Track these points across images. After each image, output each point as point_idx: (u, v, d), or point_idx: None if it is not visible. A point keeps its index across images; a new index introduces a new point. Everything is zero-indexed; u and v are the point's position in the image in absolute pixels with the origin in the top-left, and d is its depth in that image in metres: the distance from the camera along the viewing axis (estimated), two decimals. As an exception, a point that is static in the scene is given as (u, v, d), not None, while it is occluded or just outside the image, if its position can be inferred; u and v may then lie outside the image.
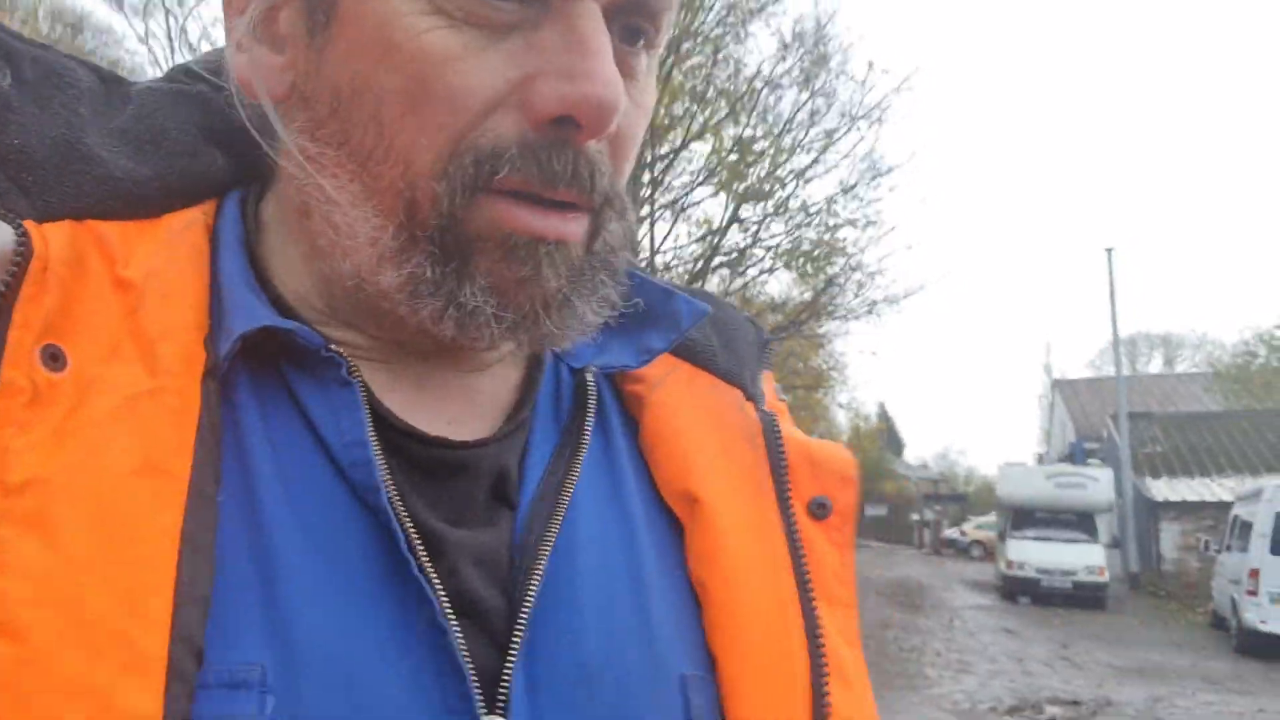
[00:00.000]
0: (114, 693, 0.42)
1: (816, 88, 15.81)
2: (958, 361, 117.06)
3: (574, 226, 0.56)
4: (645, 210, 15.85)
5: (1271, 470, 21.48)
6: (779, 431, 0.69)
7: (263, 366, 0.55)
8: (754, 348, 0.75)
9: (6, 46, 0.56)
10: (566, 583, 0.57)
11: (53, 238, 0.52)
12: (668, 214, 16.46)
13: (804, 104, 15.85)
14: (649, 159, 15.70)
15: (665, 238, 16.60)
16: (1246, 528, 14.41)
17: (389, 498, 0.53)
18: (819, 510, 0.67)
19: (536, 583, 0.55)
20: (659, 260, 16.34)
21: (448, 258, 0.54)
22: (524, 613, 0.54)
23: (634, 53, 0.57)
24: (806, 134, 15.96)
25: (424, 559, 0.53)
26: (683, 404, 0.68)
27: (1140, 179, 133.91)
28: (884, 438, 57.62)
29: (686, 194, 16.43)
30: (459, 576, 0.54)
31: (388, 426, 0.56)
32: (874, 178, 15.88)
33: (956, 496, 49.13)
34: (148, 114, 0.61)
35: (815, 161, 15.97)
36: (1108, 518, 21.68)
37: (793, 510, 0.66)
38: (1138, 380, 40.22)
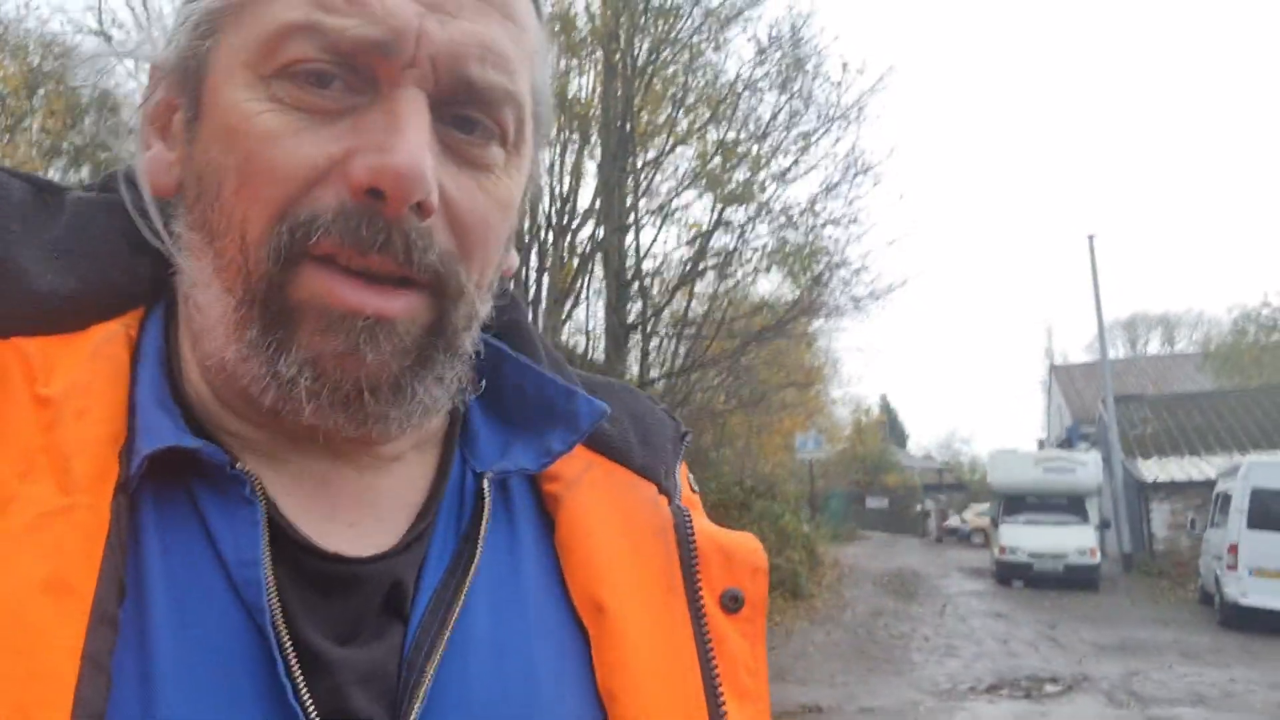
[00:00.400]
0: None
1: (794, 90, 16.14)
2: (961, 351, 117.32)
3: (398, 304, 0.56)
4: (630, 218, 16.22)
5: (1258, 448, 21.80)
6: (691, 527, 0.69)
7: (172, 481, 0.56)
8: (670, 441, 0.76)
9: None
10: (456, 691, 0.57)
11: None
12: (655, 219, 16.79)
13: (782, 106, 16.18)
14: (634, 166, 16.07)
15: (652, 243, 16.95)
16: (1227, 504, 14.73)
17: (273, 619, 0.53)
18: (731, 603, 0.68)
19: (421, 697, 0.56)
20: (647, 265, 16.69)
21: (274, 327, 0.55)
22: None
23: (473, 143, 0.59)
24: (786, 135, 16.29)
25: (301, 682, 0.53)
26: (597, 504, 0.68)
27: (1141, 158, 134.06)
28: (886, 430, 57.89)
29: (672, 198, 16.75)
30: (340, 696, 0.54)
31: (287, 540, 0.57)
32: (855, 175, 16.20)
33: (958, 485, 49.41)
34: (80, 225, 0.62)
35: (795, 163, 16.28)
36: (1098, 500, 22.02)
37: (703, 605, 0.67)
38: (1134, 362, 40.54)
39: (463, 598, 0.59)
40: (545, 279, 16.31)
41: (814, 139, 16.20)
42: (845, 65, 18.62)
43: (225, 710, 0.51)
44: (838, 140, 16.52)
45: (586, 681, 0.61)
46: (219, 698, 0.51)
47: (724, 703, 0.63)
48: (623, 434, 0.73)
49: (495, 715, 0.57)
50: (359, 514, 0.61)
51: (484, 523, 0.63)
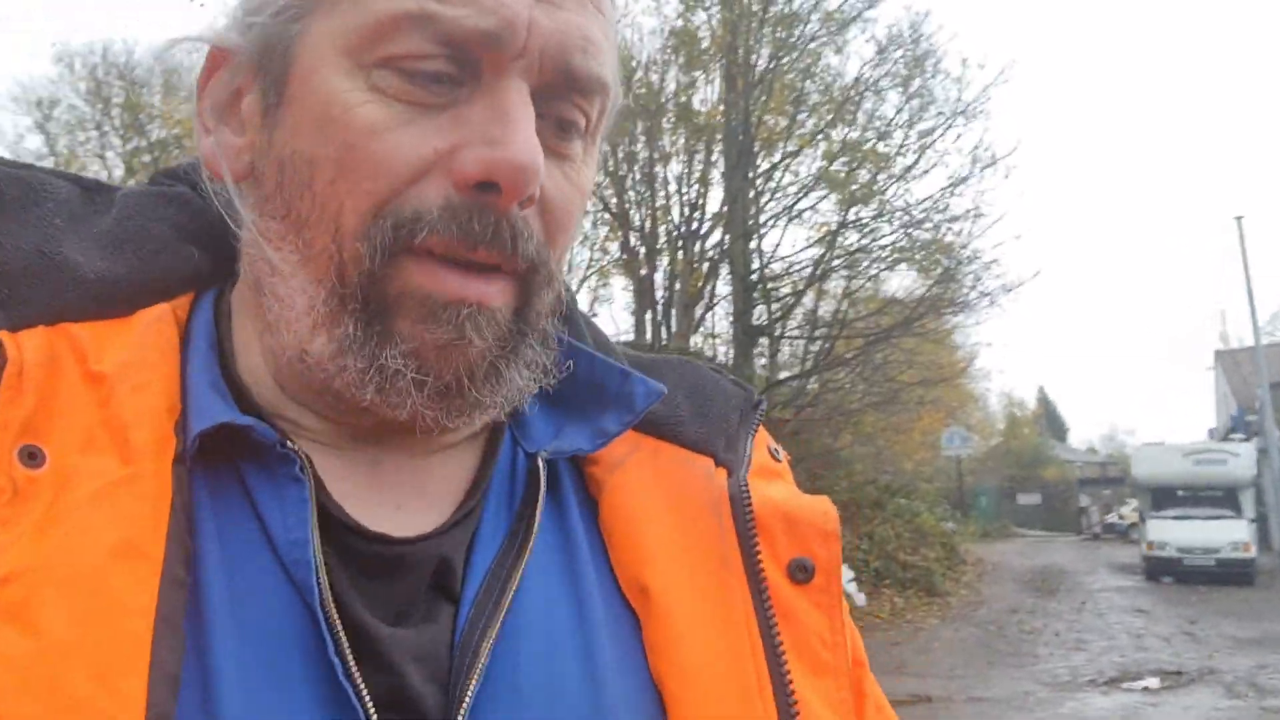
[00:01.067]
0: None
1: (914, 89, 16.21)
2: (1128, 341, 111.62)
3: (496, 290, 0.57)
4: (755, 222, 16.61)
5: None
6: (748, 497, 0.66)
7: (221, 460, 0.56)
8: (736, 410, 0.73)
9: None
10: (509, 674, 0.56)
11: (26, 344, 0.55)
12: (780, 222, 17.09)
13: (904, 104, 16.27)
14: (757, 171, 16.46)
15: (777, 246, 17.27)
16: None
17: (322, 599, 0.53)
18: (799, 573, 0.65)
19: (476, 677, 0.55)
20: (775, 268, 17.04)
21: (371, 320, 0.55)
22: (464, 708, 0.54)
23: (566, 138, 0.60)
24: (909, 134, 16.36)
25: (353, 662, 0.53)
26: (641, 484, 0.66)
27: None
28: (1044, 423, 55.85)
29: (797, 201, 17.04)
30: (395, 675, 0.54)
31: (334, 522, 0.56)
32: (982, 169, 16.13)
33: (1119, 479, 47.43)
34: (127, 216, 0.63)
35: (919, 160, 16.34)
36: (1254, 492, 21.01)
37: (764, 578, 0.64)
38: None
39: (518, 578, 0.59)
40: (676, 285, 16.89)
41: (936, 136, 16.22)
42: (965, 61, 18.52)
43: (278, 688, 0.51)
44: (959, 136, 16.46)
45: (640, 666, 0.60)
46: (272, 675, 0.51)
47: (791, 679, 0.61)
48: (672, 410, 0.71)
49: (550, 699, 0.57)
50: (406, 497, 0.61)
51: (539, 502, 0.63)
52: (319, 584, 0.54)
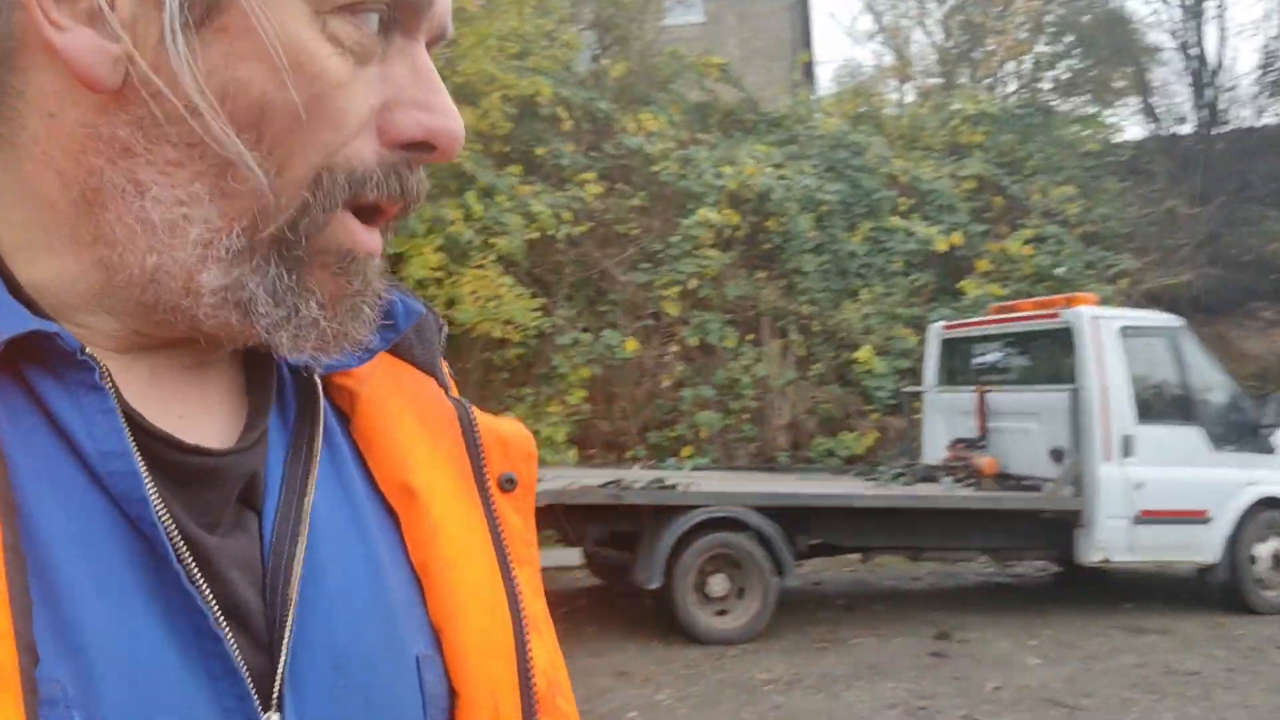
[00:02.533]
0: None
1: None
2: None
3: (382, 240, 0.60)
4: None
5: None
6: (473, 417, 0.73)
7: (4, 367, 0.52)
8: (437, 335, 0.77)
9: None
10: (315, 577, 0.59)
11: None
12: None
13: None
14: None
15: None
16: None
17: (156, 510, 0.52)
18: (508, 484, 0.72)
19: (295, 584, 0.57)
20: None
21: (289, 270, 0.55)
22: (287, 614, 0.56)
23: None
24: None
25: (193, 569, 0.53)
26: (391, 397, 0.70)
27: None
28: None
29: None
30: (224, 583, 0.55)
31: (139, 430, 0.54)
32: None
33: None
34: None
35: None
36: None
37: (489, 486, 0.71)
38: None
39: (313, 486, 0.62)
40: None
41: None
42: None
43: (121, 601, 0.51)
44: None
45: (403, 559, 0.66)
46: (111, 589, 0.50)
47: (513, 568, 0.69)
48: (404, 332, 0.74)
49: (347, 598, 0.61)
50: (187, 407, 0.60)
51: (320, 416, 0.66)
52: (149, 495, 0.52)
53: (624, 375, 11.94)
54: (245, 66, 0.53)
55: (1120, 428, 8.05)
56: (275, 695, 0.55)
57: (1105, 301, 10.51)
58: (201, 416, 0.61)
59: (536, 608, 0.71)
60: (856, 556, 8.89)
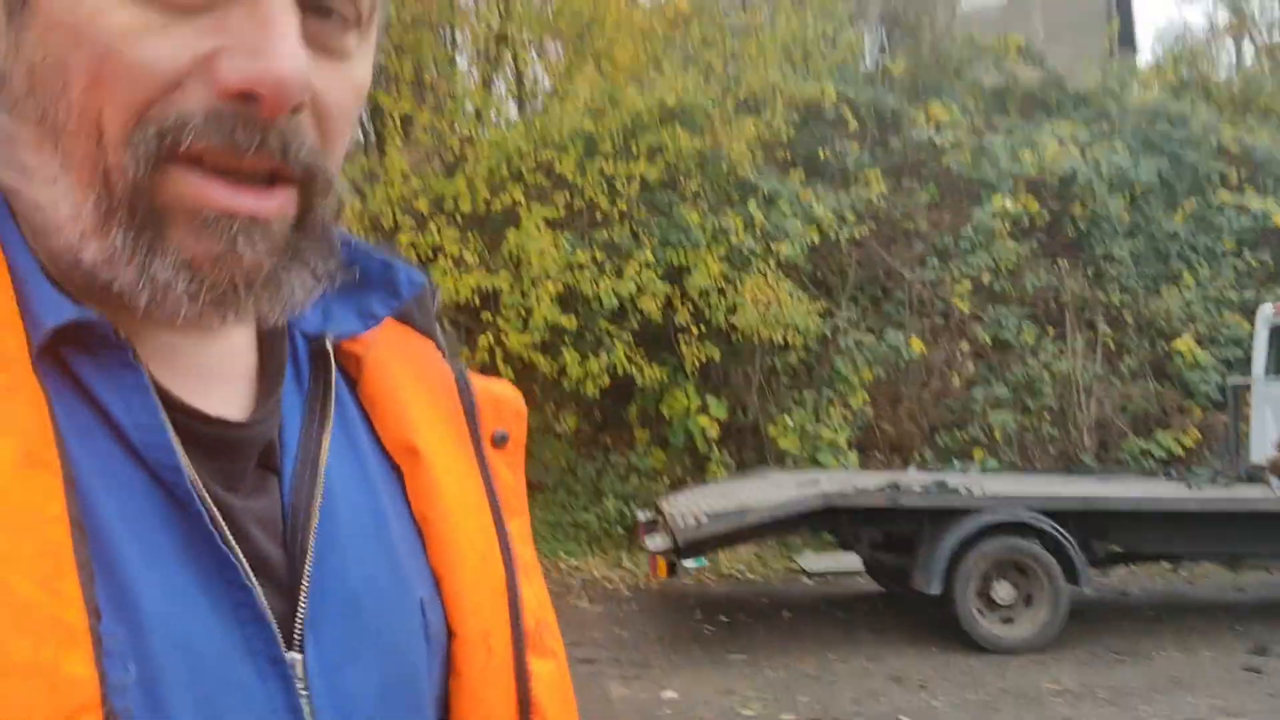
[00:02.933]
0: (59, 666, 0.47)
1: None
2: None
3: (272, 204, 0.57)
4: None
5: None
6: (468, 379, 0.78)
7: (47, 351, 0.55)
8: (431, 301, 0.80)
9: None
10: (330, 530, 0.64)
11: None
12: None
13: None
14: None
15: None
16: None
17: (190, 477, 0.57)
18: (500, 440, 0.78)
19: (312, 538, 0.63)
20: None
21: (140, 229, 0.55)
22: (304, 564, 0.62)
23: (332, 30, 0.58)
24: None
25: (224, 529, 0.58)
26: (394, 360, 0.74)
27: None
28: None
29: None
30: (249, 540, 0.60)
31: (167, 404, 0.58)
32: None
33: None
34: None
35: None
36: None
37: (483, 444, 0.76)
38: None
39: (326, 450, 0.66)
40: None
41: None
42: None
43: (166, 564, 0.55)
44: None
45: (405, 511, 0.70)
46: (158, 553, 0.55)
47: (505, 520, 0.74)
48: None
49: (360, 550, 0.66)
50: (205, 381, 0.63)
51: (331, 382, 0.70)
52: (182, 463, 0.57)
53: (909, 376, 11.65)
54: (53, 34, 0.54)
55: None
56: (297, 636, 0.60)
57: None
58: (219, 389, 0.64)
59: (526, 554, 0.76)
60: (1169, 566, 8.16)
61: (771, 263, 10.96)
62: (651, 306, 10.19)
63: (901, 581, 7.60)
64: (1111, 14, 21.59)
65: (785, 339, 10.64)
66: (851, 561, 8.86)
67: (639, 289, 10.19)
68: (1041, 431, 11.45)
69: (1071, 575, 6.96)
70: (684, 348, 10.58)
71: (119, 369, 0.57)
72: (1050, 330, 12.05)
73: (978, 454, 11.10)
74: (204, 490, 0.58)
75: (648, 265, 10.33)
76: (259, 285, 0.58)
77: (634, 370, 10.28)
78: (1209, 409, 11.26)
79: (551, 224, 10.21)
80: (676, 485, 10.19)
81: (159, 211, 0.55)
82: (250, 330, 0.68)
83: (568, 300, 10.12)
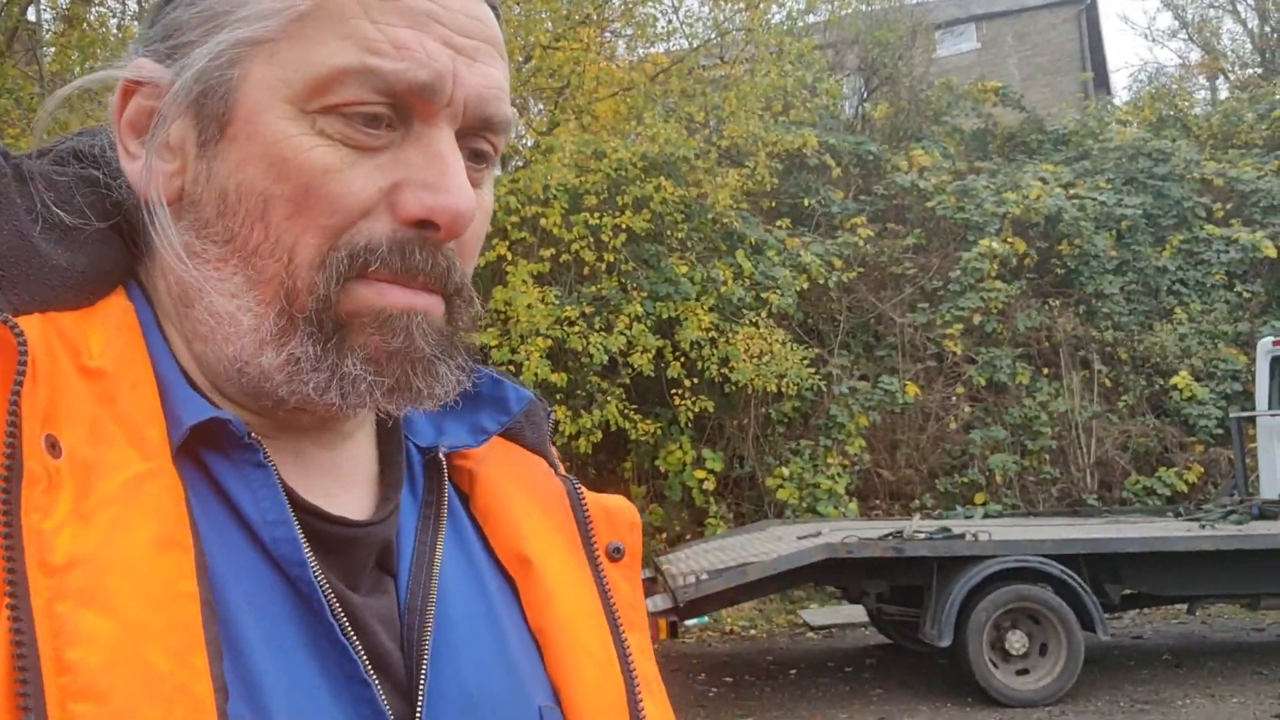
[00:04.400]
0: None
1: None
2: None
3: (434, 301, 0.65)
4: None
5: None
6: (581, 493, 0.80)
7: (187, 448, 0.60)
8: (544, 420, 0.84)
9: None
10: (446, 633, 0.66)
11: (29, 331, 0.56)
12: None
13: None
14: None
15: None
16: None
17: (313, 571, 0.60)
18: (615, 554, 0.79)
19: (429, 637, 0.65)
20: None
21: (326, 337, 0.62)
22: (424, 663, 0.64)
23: (479, 169, 0.67)
24: None
25: (345, 623, 0.61)
26: (506, 476, 0.77)
27: None
28: None
29: None
30: (370, 635, 0.62)
31: (293, 502, 0.62)
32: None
33: None
34: (64, 200, 0.64)
35: None
36: None
37: (598, 556, 0.78)
38: None
39: (440, 555, 0.69)
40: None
41: None
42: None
43: (289, 651, 0.58)
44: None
45: (521, 622, 0.72)
46: (281, 641, 0.58)
47: (624, 632, 0.75)
48: (515, 417, 0.81)
49: (475, 653, 0.68)
50: (328, 484, 0.67)
51: (446, 491, 0.73)
52: (307, 558, 0.61)
53: (906, 422, 11.52)
54: (250, 167, 0.62)
55: None
56: None
57: None
58: (340, 493, 0.68)
59: (648, 669, 0.76)
60: (1183, 607, 7.95)
61: (763, 313, 10.84)
62: (643, 361, 10.02)
63: (909, 634, 7.38)
64: (1085, 56, 21.86)
65: (780, 388, 10.48)
66: (856, 614, 8.62)
67: (630, 344, 10.05)
68: (1042, 473, 11.30)
69: (1086, 621, 6.76)
70: (678, 401, 10.43)
71: (250, 468, 0.62)
72: (1045, 370, 11.96)
73: (979, 498, 10.94)
74: (326, 584, 0.61)
75: (637, 319, 10.19)
76: (424, 373, 0.65)
77: (627, 425, 10.10)
78: (1210, 444, 11.13)
79: (539, 279, 10.09)
80: (675, 541, 9.99)
81: (342, 320, 0.62)
82: (371, 439, 0.74)
83: (557, 356, 9.96)
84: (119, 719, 0.49)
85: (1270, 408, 8.68)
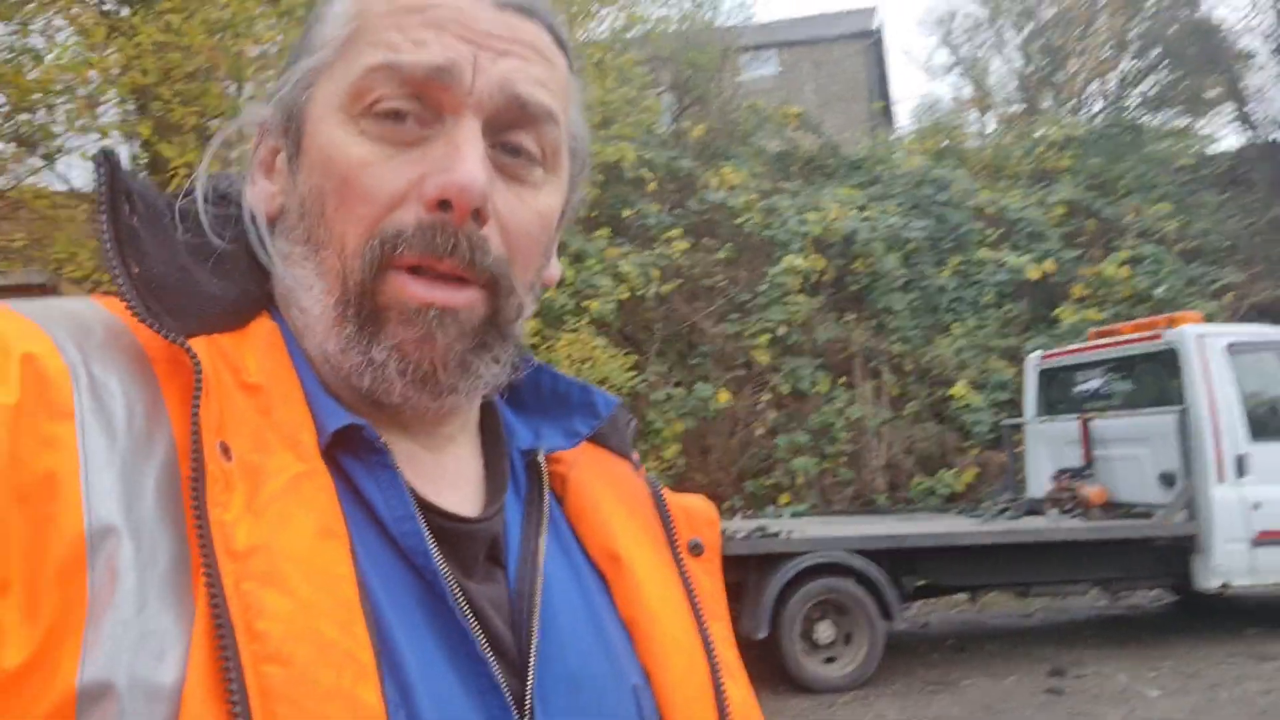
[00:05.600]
0: (355, 694, 0.57)
1: None
2: None
3: (461, 298, 0.68)
4: None
5: None
6: (662, 493, 0.85)
7: (326, 453, 0.66)
8: (626, 425, 0.89)
9: (125, 185, 0.67)
10: (550, 618, 0.71)
11: (199, 353, 0.63)
12: None
13: None
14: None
15: None
16: None
17: (435, 560, 0.66)
18: (695, 549, 0.84)
19: (537, 622, 0.70)
20: None
21: (365, 323, 0.68)
22: (533, 644, 0.69)
23: (519, 164, 0.71)
24: None
25: (464, 607, 0.66)
26: (595, 478, 0.82)
27: None
28: None
29: None
30: (485, 619, 0.68)
31: (415, 500, 0.68)
32: None
33: None
34: (215, 235, 0.72)
35: None
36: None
37: (680, 552, 0.83)
38: None
39: (543, 549, 0.74)
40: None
41: None
42: None
43: (418, 629, 0.64)
44: None
45: (614, 613, 0.76)
46: (411, 619, 0.64)
47: (706, 622, 0.80)
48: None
49: (576, 639, 0.72)
50: (439, 484, 0.72)
51: (546, 490, 0.78)
52: (430, 549, 0.66)
53: (718, 427, 12.02)
54: (316, 172, 0.69)
55: (1233, 447, 7.82)
56: (528, 707, 0.68)
57: (1210, 318, 10.24)
58: (452, 491, 0.74)
59: (729, 656, 0.81)
60: (964, 596, 8.75)
61: (584, 320, 11.08)
62: (465, 365, 9.99)
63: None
64: (874, 87, 23.34)
65: (600, 394, 10.70)
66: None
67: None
68: (839, 474, 12.03)
69: (886, 611, 7.33)
70: (498, 405, 10.44)
71: (380, 469, 0.68)
72: (841, 379, 12.72)
73: (783, 499, 11.53)
74: (448, 572, 0.67)
75: (461, 324, 10.17)
76: (453, 366, 0.70)
77: (449, 430, 10.03)
78: (984, 448, 12.20)
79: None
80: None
81: (380, 309, 0.68)
82: (475, 443, 0.80)
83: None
84: (301, 680, 0.55)
85: (1037, 415, 9.66)
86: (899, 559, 7.63)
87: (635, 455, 0.91)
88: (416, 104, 0.68)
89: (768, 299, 12.82)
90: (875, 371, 12.92)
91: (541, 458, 0.81)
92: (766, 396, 12.42)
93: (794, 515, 10.22)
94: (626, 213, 13.22)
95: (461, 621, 0.66)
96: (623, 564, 0.79)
